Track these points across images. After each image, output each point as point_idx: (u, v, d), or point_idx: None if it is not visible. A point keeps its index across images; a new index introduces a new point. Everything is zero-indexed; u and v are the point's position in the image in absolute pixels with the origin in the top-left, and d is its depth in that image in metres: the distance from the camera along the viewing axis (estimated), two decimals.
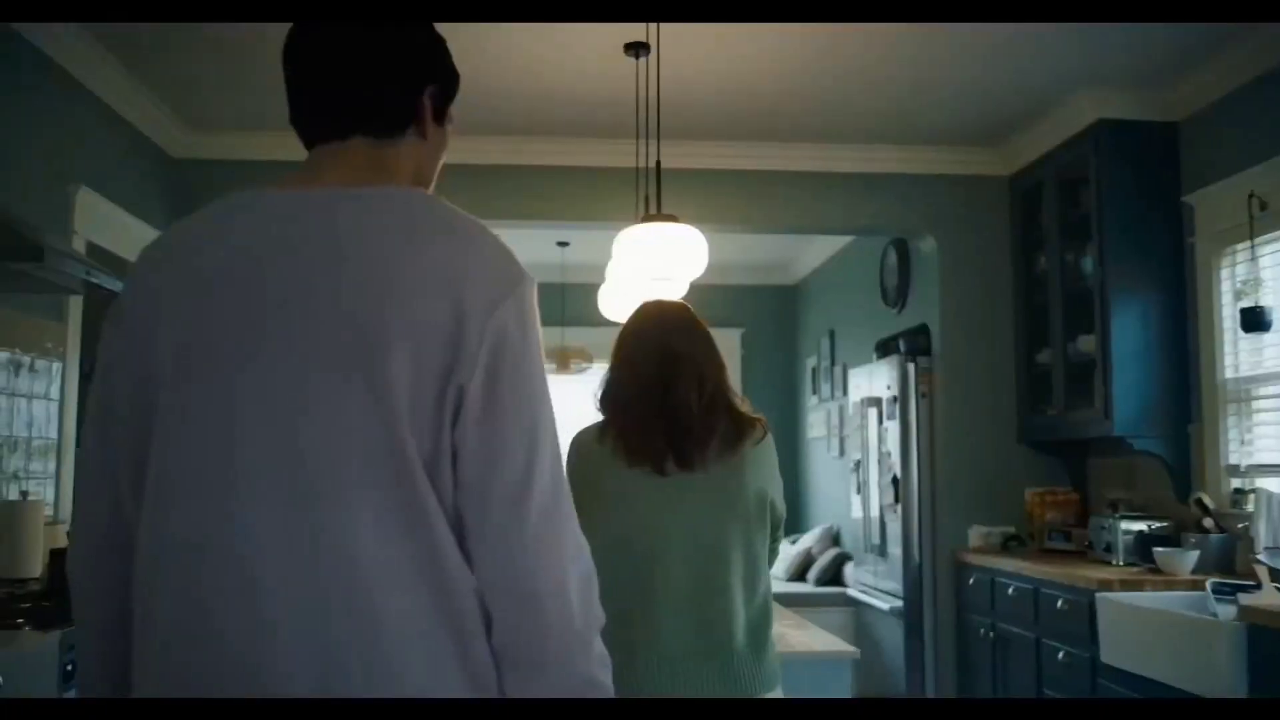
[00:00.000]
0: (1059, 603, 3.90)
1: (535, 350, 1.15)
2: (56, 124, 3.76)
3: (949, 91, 4.38)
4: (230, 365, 1.11)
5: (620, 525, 2.04)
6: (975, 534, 4.91)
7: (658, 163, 3.40)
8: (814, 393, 7.50)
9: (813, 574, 6.58)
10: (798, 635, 2.75)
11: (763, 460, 2.12)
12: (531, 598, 1.10)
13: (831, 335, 7.13)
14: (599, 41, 3.83)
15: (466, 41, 3.74)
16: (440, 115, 1.30)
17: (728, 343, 7.96)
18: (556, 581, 1.11)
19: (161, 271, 1.18)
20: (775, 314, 8.15)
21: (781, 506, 2.18)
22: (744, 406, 2.16)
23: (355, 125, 1.23)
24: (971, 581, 4.75)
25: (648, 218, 3.21)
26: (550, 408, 1.16)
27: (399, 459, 1.08)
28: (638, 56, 3.80)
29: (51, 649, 2.50)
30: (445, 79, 1.30)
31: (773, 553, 2.18)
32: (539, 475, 1.12)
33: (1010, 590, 4.33)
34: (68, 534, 1.28)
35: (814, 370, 7.51)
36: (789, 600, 6.07)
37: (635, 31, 3.69)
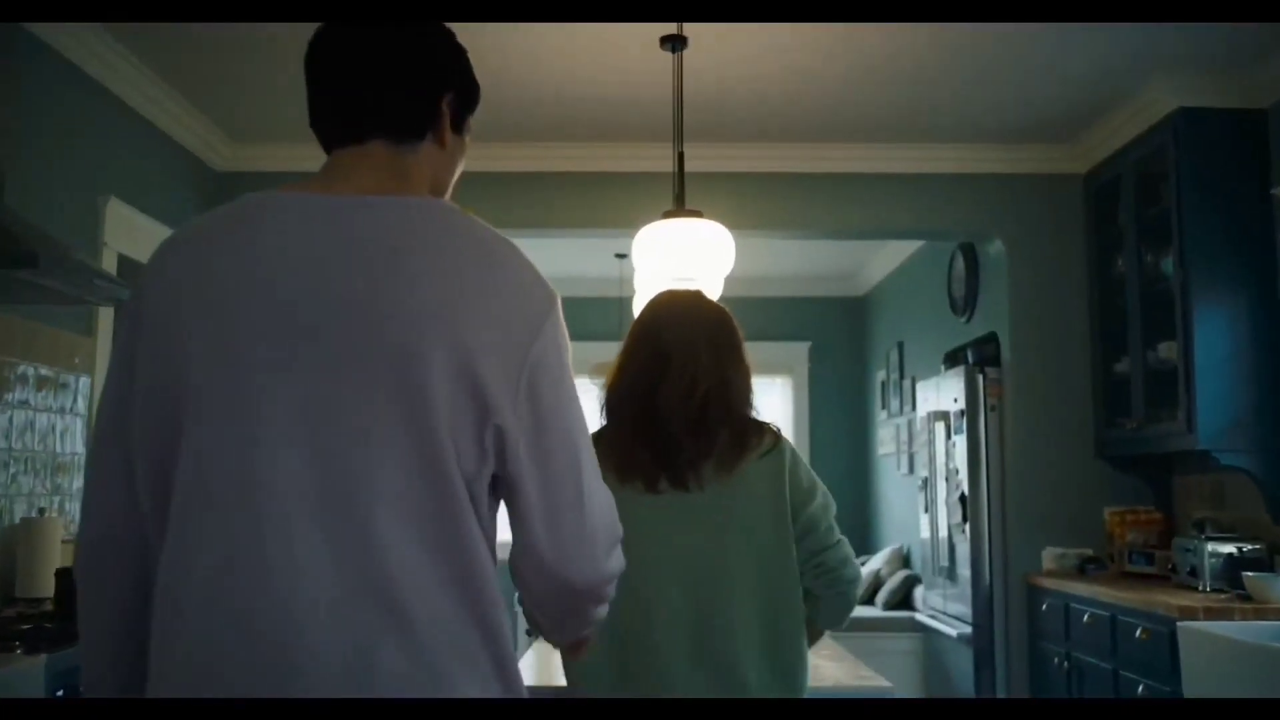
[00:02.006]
0: (1137, 631, 3.59)
1: (568, 365, 1.20)
2: (85, 134, 3.69)
3: (1014, 84, 4.11)
4: (260, 373, 1.11)
5: None
6: (1049, 556, 4.60)
7: (680, 155, 3.19)
8: (883, 407, 7.21)
9: (881, 597, 6.27)
10: (830, 668, 2.51)
11: (773, 473, 1.88)
12: (581, 585, 1.18)
13: (900, 347, 6.85)
14: (634, 36, 3.65)
15: (498, 42, 3.59)
16: (459, 124, 1.31)
17: (795, 355, 7.73)
18: (597, 562, 1.19)
19: (181, 272, 1.17)
20: (844, 326, 7.89)
21: (820, 520, 1.91)
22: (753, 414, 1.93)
23: (373, 128, 1.23)
24: (1045, 607, 4.43)
25: (667, 214, 2.99)
26: (583, 415, 1.22)
27: (437, 468, 1.09)
28: (674, 50, 3.61)
29: (36, 674, 2.38)
30: (464, 87, 1.31)
31: (822, 571, 1.91)
32: (587, 482, 1.18)
33: (1085, 617, 4.01)
34: (77, 532, 1.24)
35: (883, 384, 7.23)
36: (854, 626, 5.79)
37: (671, 24, 3.50)
